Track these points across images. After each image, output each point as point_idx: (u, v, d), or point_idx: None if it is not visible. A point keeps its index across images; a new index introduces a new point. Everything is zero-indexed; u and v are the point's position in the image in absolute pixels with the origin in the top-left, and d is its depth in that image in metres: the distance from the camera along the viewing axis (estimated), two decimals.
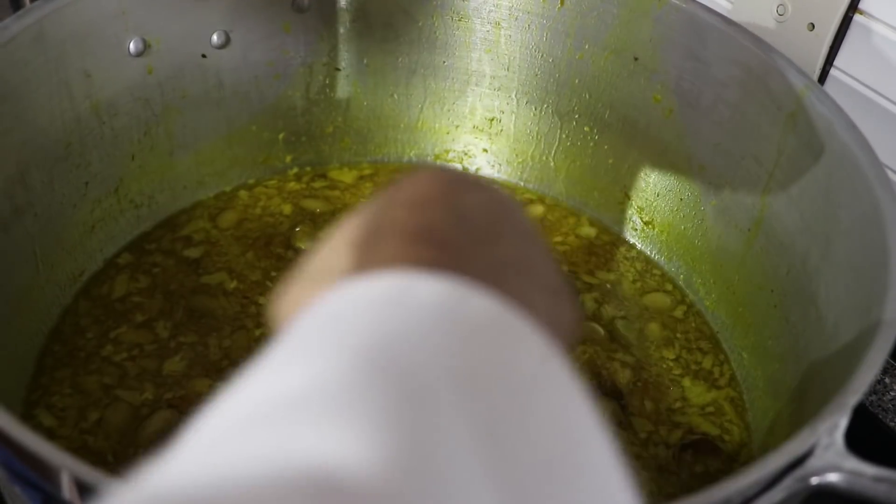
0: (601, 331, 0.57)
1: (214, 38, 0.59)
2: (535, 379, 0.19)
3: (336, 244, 0.24)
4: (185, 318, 0.55)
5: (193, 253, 0.59)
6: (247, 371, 0.18)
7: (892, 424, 0.57)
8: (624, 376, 0.55)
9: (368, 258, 0.22)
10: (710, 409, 0.54)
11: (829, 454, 0.34)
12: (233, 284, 0.58)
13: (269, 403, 0.16)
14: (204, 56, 0.59)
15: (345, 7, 0.63)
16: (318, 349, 0.18)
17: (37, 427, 0.49)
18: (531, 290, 0.24)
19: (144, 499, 0.14)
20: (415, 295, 0.19)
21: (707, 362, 0.56)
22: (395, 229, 0.23)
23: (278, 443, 0.15)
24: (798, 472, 0.34)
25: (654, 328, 0.58)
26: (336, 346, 0.18)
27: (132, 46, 0.55)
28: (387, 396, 0.16)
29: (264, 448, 0.15)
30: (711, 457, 0.51)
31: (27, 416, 0.50)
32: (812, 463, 0.34)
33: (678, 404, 0.54)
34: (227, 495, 0.14)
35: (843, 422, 0.36)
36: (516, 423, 0.18)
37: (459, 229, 0.24)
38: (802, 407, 0.46)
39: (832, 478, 0.34)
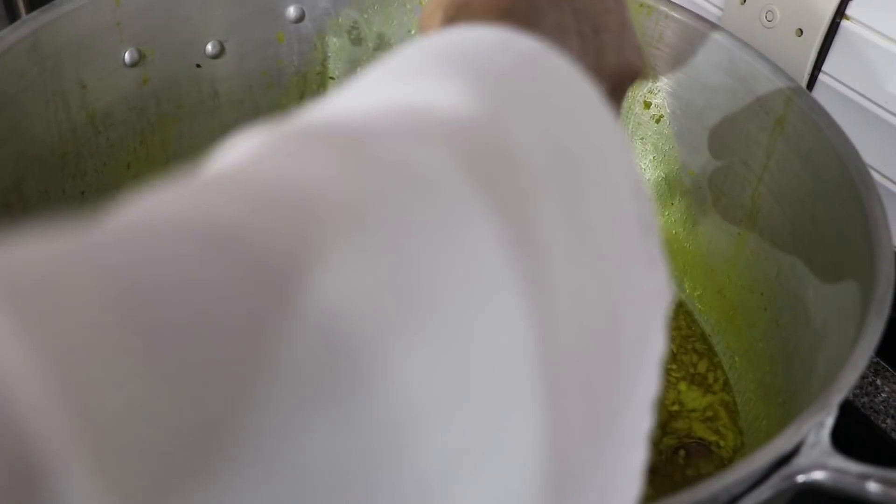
0: None
1: (209, 47, 0.60)
2: (586, 114, 0.23)
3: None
4: None
5: None
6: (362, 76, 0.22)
7: (883, 426, 0.57)
8: None
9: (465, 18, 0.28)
10: (709, 413, 0.54)
11: (815, 452, 0.35)
12: None
13: (382, 78, 0.21)
14: (198, 66, 0.60)
15: (338, 17, 0.63)
16: (432, 62, 0.22)
17: None
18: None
19: (291, 130, 0.18)
20: (513, 44, 0.23)
21: (702, 366, 0.57)
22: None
23: (391, 93, 0.20)
24: (784, 471, 0.34)
25: None
26: (448, 64, 0.22)
27: (127, 57, 0.56)
28: (479, 78, 0.21)
29: (381, 96, 0.20)
30: (704, 461, 0.51)
31: None
32: (798, 461, 0.35)
33: (675, 408, 0.54)
34: (350, 121, 0.19)
35: (828, 420, 0.36)
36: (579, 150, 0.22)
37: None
38: (792, 410, 0.46)
39: (818, 476, 0.34)
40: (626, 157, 0.23)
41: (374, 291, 0.15)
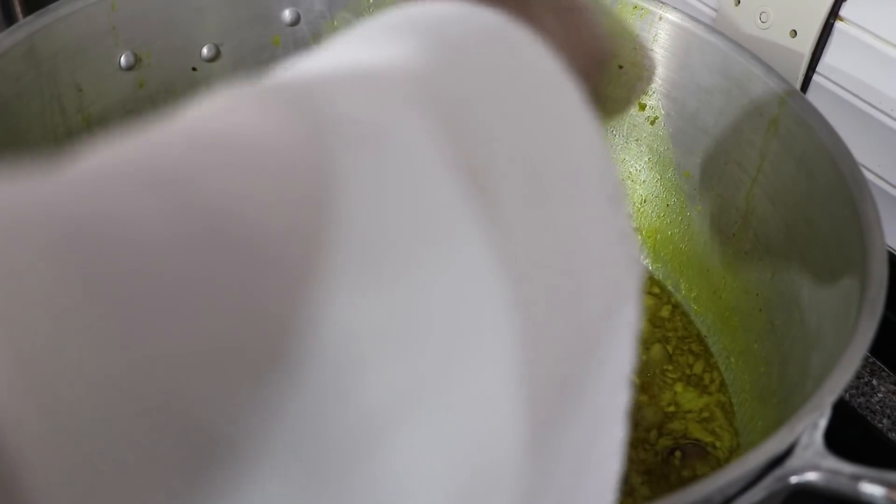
0: None
1: (205, 51, 0.60)
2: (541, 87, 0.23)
3: None
4: None
5: None
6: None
7: (880, 426, 0.57)
8: None
9: None
10: (705, 414, 0.54)
11: (809, 453, 0.35)
12: None
13: (342, 46, 0.22)
14: (194, 69, 0.60)
15: (333, 20, 0.64)
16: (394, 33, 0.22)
17: None
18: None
19: (268, 86, 0.19)
20: (474, 16, 0.23)
21: (698, 367, 0.57)
22: None
23: (349, 55, 0.21)
24: (778, 472, 0.35)
25: (642, 327, 0.59)
26: (408, 33, 0.22)
27: (123, 60, 0.56)
28: (435, 43, 0.21)
29: (338, 58, 0.21)
30: (700, 462, 0.51)
31: None
32: (792, 462, 0.35)
33: (671, 409, 0.54)
34: (311, 79, 0.19)
35: (822, 421, 0.36)
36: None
37: None
38: (788, 411, 0.46)
39: (811, 477, 0.34)
40: (590, 130, 0.23)
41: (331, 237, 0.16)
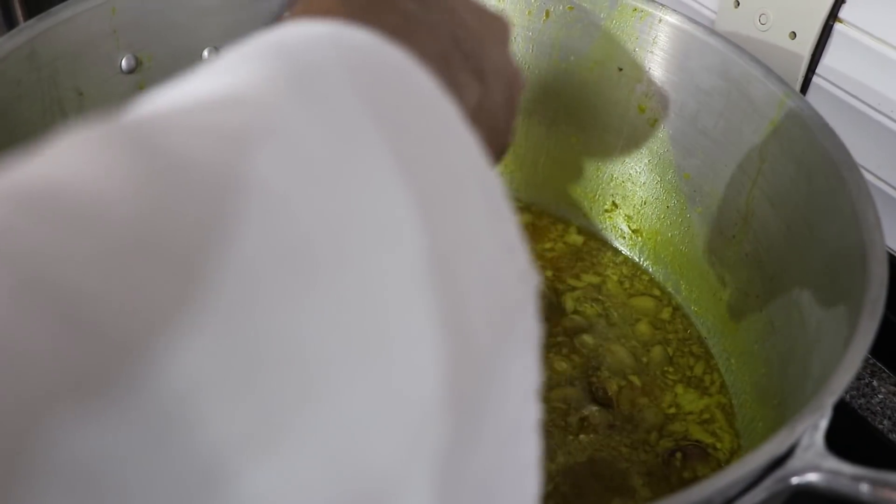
0: (590, 340, 0.58)
1: (205, 54, 0.60)
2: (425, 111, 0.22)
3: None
4: None
5: None
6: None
7: (880, 427, 0.57)
8: (615, 383, 0.55)
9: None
10: (706, 415, 0.54)
11: (809, 454, 0.35)
12: None
13: (198, 77, 0.21)
14: None
15: None
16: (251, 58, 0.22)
17: None
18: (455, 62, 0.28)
19: (112, 127, 0.18)
20: (343, 37, 0.23)
21: (698, 368, 0.57)
22: None
23: (200, 85, 0.20)
24: (778, 473, 0.35)
25: (643, 329, 0.59)
26: (262, 58, 0.22)
27: (124, 64, 0.56)
28: (287, 68, 0.21)
29: (191, 89, 0.20)
30: (701, 463, 0.51)
31: None
32: (792, 463, 0.35)
33: (672, 410, 0.54)
34: (159, 117, 0.19)
35: (822, 423, 0.36)
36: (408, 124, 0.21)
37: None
38: (788, 412, 0.46)
39: (812, 478, 0.34)
40: (468, 146, 0.22)
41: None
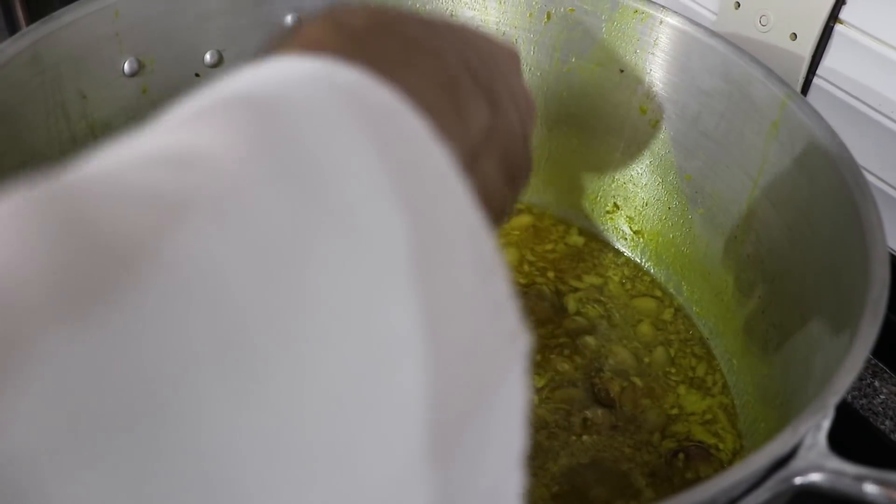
0: (592, 341, 0.58)
1: (207, 57, 0.60)
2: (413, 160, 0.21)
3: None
4: None
5: None
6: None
7: (882, 427, 0.57)
8: (617, 384, 0.55)
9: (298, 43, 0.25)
10: (708, 416, 0.54)
11: (812, 454, 0.35)
12: None
13: (158, 128, 0.20)
14: (197, 75, 0.60)
15: None
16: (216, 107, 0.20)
17: None
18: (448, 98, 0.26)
19: (40, 195, 0.17)
20: (328, 78, 0.21)
21: (700, 369, 0.57)
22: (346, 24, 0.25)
23: (158, 141, 0.19)
24: (781, 473, 0.35)
25: (645, 330, 0.59)
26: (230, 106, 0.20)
27: (127, 67, 0.56)
28: (253, 123, 0.19)
29: (146, 145, 0.19)
30: (704, 464, 0.51)
31: None
32: (795, 464, 0.35)
33: (674, 411, 0.54)
34: (109, 174, 0.17)
35: (825, 423, 0.36)
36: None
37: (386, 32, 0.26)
38: (790, 412, 0.46)
39: (815, 478, 0.35)
40: (458, 195, 0.21)
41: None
